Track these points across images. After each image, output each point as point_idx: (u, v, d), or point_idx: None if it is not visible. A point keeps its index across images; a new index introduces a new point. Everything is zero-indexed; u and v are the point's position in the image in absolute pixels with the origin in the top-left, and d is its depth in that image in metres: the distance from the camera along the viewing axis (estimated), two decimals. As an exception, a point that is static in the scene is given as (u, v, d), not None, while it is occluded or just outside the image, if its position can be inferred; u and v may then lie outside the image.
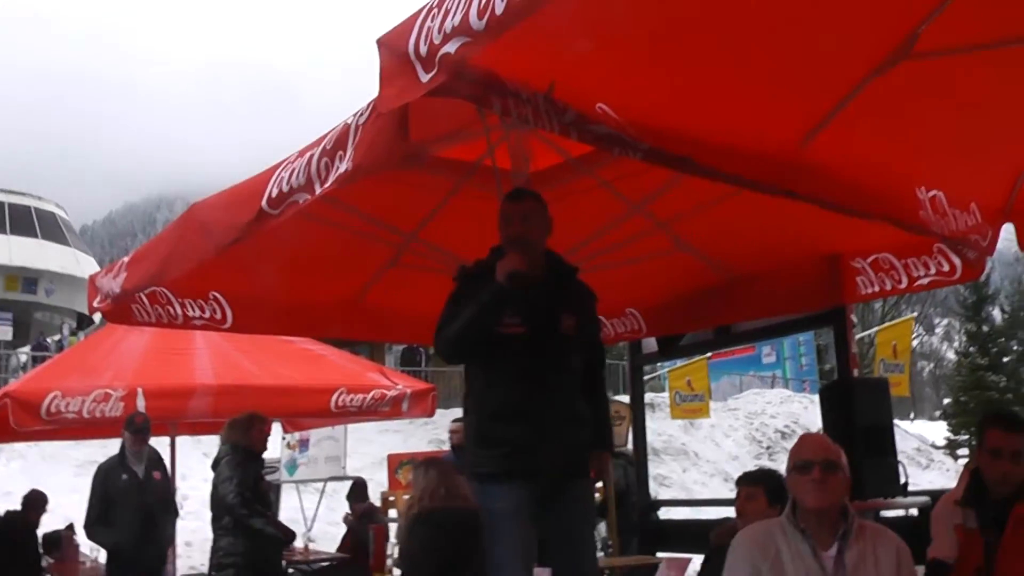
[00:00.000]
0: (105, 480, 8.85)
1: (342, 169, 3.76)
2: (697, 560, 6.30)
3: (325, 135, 4.02)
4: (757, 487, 5.30)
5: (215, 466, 8.20)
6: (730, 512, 5.51)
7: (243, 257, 5.44)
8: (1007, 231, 5.53)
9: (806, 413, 31.82)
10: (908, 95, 4.31)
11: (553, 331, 4.68)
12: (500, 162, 5.46)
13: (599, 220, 6.07)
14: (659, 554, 8.77)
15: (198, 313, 6.40)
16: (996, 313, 58.94)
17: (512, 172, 5.55)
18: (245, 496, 7.86)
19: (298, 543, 10.43)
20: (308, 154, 4.06)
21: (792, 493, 3.95)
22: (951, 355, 67.64)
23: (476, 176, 5.84)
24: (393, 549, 8.12)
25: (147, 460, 8.91)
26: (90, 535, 9.15)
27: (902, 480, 6.73)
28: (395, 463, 13.75)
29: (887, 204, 4.65)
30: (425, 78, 3.00)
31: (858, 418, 6.66)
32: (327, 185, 3.89)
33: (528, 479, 4.56)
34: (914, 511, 6.93)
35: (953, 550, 4.49)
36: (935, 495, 6.10)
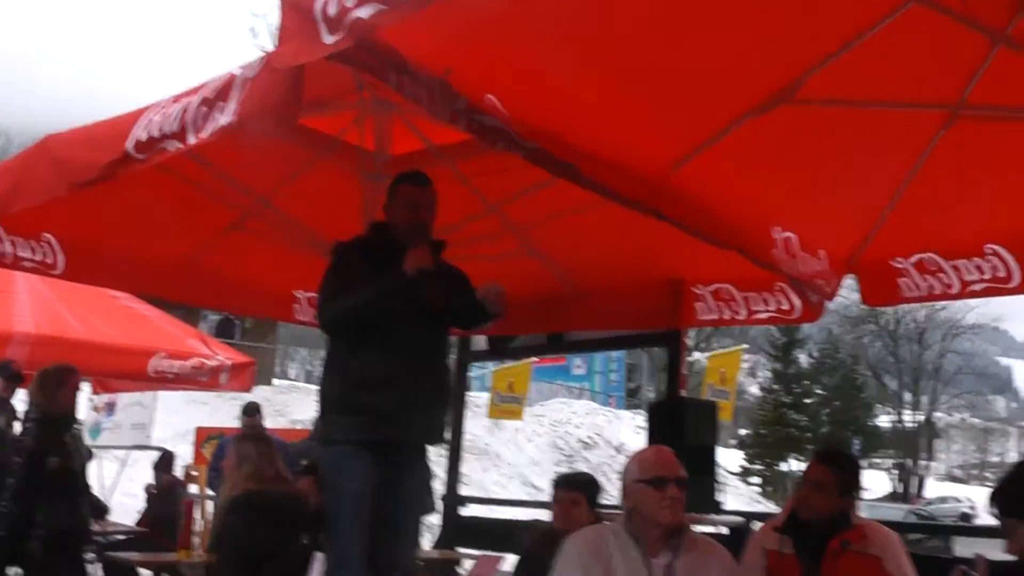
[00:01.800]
0: None
1: (221, 122, 3.61)
2: (508, 559, 6.40)
3: (204, 83, 3.85)
4: (581, 493, 5.41)
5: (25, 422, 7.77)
6: (529, 515, 5.58)
7: (82, 201, 5.18)
8: (848, 282, 5.83)
9: (609, 427, 32.67)
10: (781, 139, 4.54)
11: (421, 302, 4.73)
12: (359, 139, 5.46)
13: (451, 214, 6.05)
14: (460, 549, 8.85)
15: (29, 255, 6.04)
16: (803, 357, 61.60)
17: (374, 152, 5.54)
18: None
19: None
20: (184, 101, 3.89)
21: (638, 505, 4.05)
22: (754, 389, 70.17)
23: (335, 150, 5.77)
24: (200, 527, 7.83)
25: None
26: None
27: (718, 500, 7.02)
28: (203, 436, 13.42)
29: (743, 237, 4.86)
30: (329, 40, 2.87)
31: (685, 438, 6.87)
32: (202, 135, 3.73)
33: (382, 452, 4.63)
34: (725, 529, 7.18)
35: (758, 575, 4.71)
36: (746, 515, 6.36)
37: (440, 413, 4.97)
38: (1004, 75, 4.13)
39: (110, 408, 14.13)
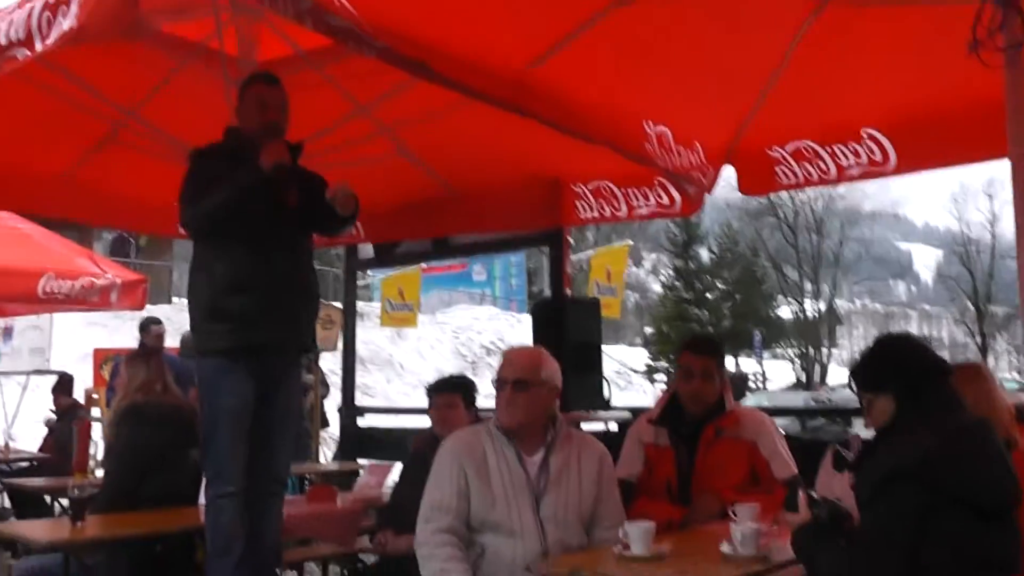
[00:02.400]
0: None
1: (65, 26, 3.46)
2: (398, 467, 6.43)
3: (47, -14, 3.73)
4: (456, 395, 5.44)
5: None
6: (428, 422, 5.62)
7: None
8: (727, 174, 5.85)
9: (512, 331, 32.95)
10: (646, 31, 4.49)
11: (280, 205, 4.75)
12: (227, 47, 5.32)
13: (324, 118, 5.97)
14: (360, 460, 8.88)
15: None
16: (704, 253, 62.54)
17: (239, 58, 5.42)
18: None
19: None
20: (28, 6, 3.74)
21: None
22: (657, 288, 71.17)
23: (201, 58, 5.62)
24: (97, 449, 7.75)
25: None
26: None
27: (606, 396, 7.08)
28: (100, 358, 13.19)
29: (613, 132, 4.82)
30: None
31: (569, 335, 6.92)
32: (48, 42, 3.61)
33: (253, 357, 4.67)
34: (614, 426, 7.27)
35: (637, 467, 4.79)
36: (635, 411, 6.44)
37: (308, 317, 5.02)
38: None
39: (7, 333, 13.95)
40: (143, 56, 5.40)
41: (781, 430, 4.85)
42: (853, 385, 3.51)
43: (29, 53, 3.70)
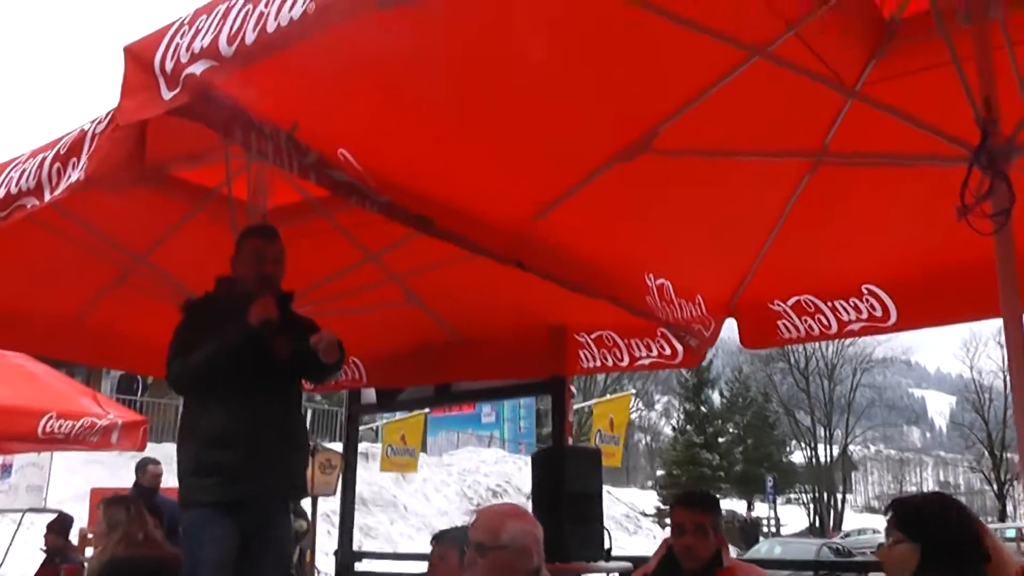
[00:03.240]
0: None
1: (74, 178, 3.59)
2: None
3: (60, 138, 3.84)
4: (452, 548, 5.41)
5: None
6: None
7: None
8: (729, 321, 5.90)
9: (519, 474, 32.62)
10: (647, 187, 4.60)
11: (269, 356, 4.74)
12: (238, 192, 5.40)
13: (332, 264, 6.07)
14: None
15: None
16: (715, 397, 62.50)
17: (249, 204, 5.50)
18: None
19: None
20: (41, 156, 3.85)
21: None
22: (668, 431, 70.86)
23: (212, 203, 5.73)
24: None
25: None
26: None
27: (606, 546, 7.01)
28: (97, 498, 13.06)
29: (615, 286, 4.90)
30: (168, 95, 2.92)
31: (568, 485, 6.86)
32: (57, 193, 3.70)
33: (239, 510, 4.59)
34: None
35: None
36: (638, 561, 6.38)
37: (296, 466, 4.98)
38: (860, 123, 4.28)
39: (5, 470, 13.89)
40: (154, 202, 5.50)
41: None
42: (890, 514, 3.50)
43: (38, 203, 3.80)
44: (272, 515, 4.87)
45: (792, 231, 5.19)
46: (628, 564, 7.10)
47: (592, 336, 6.72)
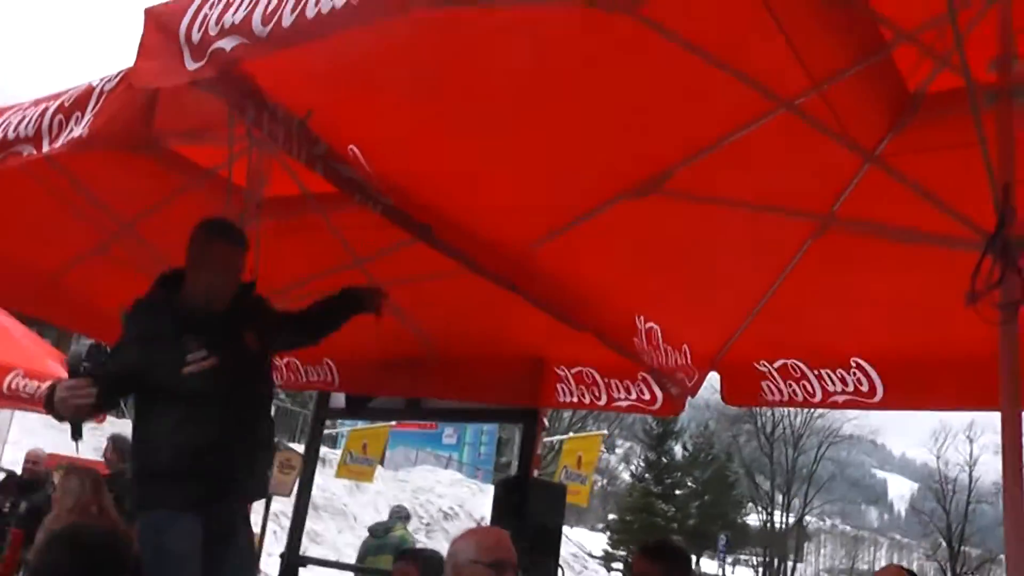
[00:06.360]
0: None
1: (76, 133, 3.51)
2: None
3: (65, 91, 3.76)
4: (412, 566, 5.37)
5: None
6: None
7: None
8: (712, 379, 5.86)
9: (473, 499, 32.55)
10: (651, 228, 4.58)
11: (240, 352, 4.65)
12: (236, 177, 5.32)
13: (319, 264, 6.01)
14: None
15: None
16: (678, 449, 62.60)
17: (245, 190, 5.43)
18: None
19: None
20: (43, 106, 3.78)
21: None
22: (626, 476, 70.83)
23: (207, 183, 5.62)
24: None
25: None
26: None
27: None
28: (53, 464, 12.96)
29: (604, 322, 4.84)
30: (192, 66, 2.83)
31: (530, 517, 6.81)
32: (56, 146, 3.61)
33: (205, 511, 4.43)
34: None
35: None
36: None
37: (262, 466, 4.93)
38: (872, 192, 4.25)
39: (-37, 421, 13.63)
40: (150, 171, 5.39)
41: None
42: None
43: (35, 152, 3.72)
44: (237, 516, 4.75)
45: (788, 292, 5.16)
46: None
47: (572, 371, 6.62)
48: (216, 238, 4.64)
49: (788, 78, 3.61)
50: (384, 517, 16.85)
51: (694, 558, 54.60)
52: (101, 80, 3.56)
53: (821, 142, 3.83)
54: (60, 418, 4.37)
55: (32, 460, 10.23)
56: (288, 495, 10.69)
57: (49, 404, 4.26)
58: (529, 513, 6.83)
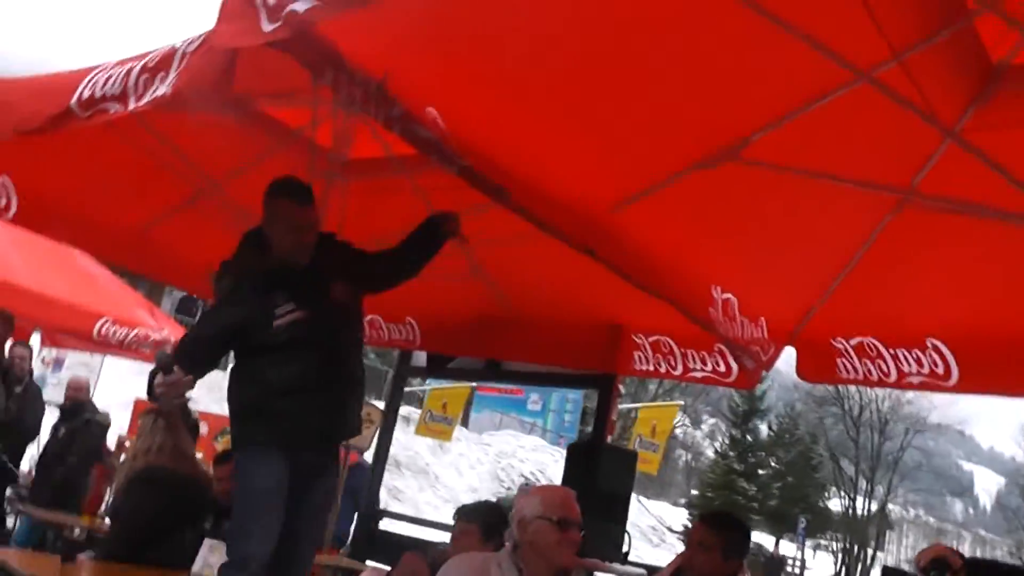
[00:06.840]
0: None
1: (160, 91, 3.57)
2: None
3: (150, 51, 3.87)
4: (472, 524, 5.41)
5: None
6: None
7: (40, 148, 5.13)
8: (788, 354, 5.83)
9: (555, 466, 32.70)
10: (728, 197, 4.57)
11: (327, 302, 4.78)
12: (321, 138, 5.42)
13: (404, 224, 6.06)
14: (369, 563, 8.79)
15: (-17, 191, 6.01)
16: (763, 428, 61.97)
17: (330, 152, 5.51)
18: None
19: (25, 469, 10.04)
20: (128, 66, 3.88)
21: (535, 541, 3.97)
22: (710, 453, 70.45)
23: (294, 144, 5.71)
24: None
25: None
26: None
27: (624, 549, 6.99)
28: (140, 408, 13.29)
29: (679, 290, 4.86)
30: (268, 28, 2.84)
31: (600, 482, 6.88)
32: (141, 103, 3.70)
33: (294, 451, 4.63)
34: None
35: None
36: (652, 570, 6.36)
37: (353, 410, 4.97)
38: (953, 168, 4.16)
39: (58, 364, 14.14)
40: (239, 132, 5.46)
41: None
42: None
43: (121, 108, 3.78)
44: (326, 457, 4.94)
45: (866, 269, 5.12)
46: (642, 571, 7.08)
47: (649, 339, 6.64)
48: (280, 196, 4.75)
49: (868, 48, 3.57)
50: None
51: (773, 539, 54.53)
52: (184, 42, 3.63)
53: (900, 114, 3.77)
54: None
55: (74, 387, 10.46)
56: (367, 448, 10.85)
57: (149, 389, 4.42)
58: (599, 477, 6.88)
